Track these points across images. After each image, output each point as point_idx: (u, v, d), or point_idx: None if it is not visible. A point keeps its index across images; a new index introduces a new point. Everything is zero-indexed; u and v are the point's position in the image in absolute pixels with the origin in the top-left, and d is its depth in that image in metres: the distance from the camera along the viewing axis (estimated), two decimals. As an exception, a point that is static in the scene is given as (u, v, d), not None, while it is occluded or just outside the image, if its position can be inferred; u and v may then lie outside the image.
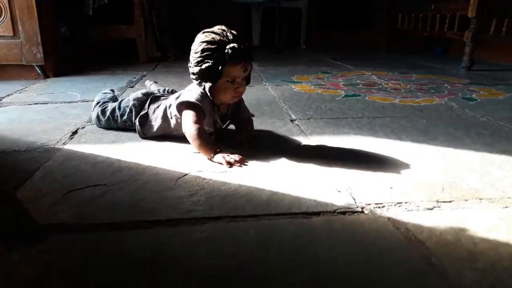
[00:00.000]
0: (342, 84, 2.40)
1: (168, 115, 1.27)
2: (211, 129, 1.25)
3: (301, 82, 2.43)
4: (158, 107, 1.31)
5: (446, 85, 2.41)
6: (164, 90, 1.48)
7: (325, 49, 4.33)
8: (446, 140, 1.37)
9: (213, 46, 1.12)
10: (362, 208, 0.89)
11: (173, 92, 1.46)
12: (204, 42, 1.13)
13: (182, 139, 1.24)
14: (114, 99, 1.52)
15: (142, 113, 1.31)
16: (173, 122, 1.26)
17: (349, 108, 1.82)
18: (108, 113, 1.39)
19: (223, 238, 0.77)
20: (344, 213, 0.87)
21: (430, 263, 0.71)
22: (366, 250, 0.74)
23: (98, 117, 1.41)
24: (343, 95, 2.09)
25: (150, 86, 1.80)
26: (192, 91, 1.21)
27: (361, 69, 2.94)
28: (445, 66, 3.20)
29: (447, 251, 0.74)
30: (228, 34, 1.13)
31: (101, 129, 1.42)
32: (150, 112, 1.32)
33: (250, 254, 0.72)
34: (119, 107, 1.37)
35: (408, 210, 0.88)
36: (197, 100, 1.18)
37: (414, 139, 1.38)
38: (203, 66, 1.14)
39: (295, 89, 2.21)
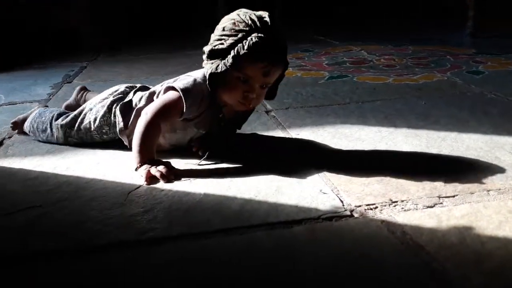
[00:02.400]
0: (326, 64, 2.43)
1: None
2: (202, 131, 1.21)
3: (277, 64, 2.45)
4: (143, 95, 1.25)
5: (448, 57, 2.47)
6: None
7: (305, 21, 4.36)
8: (448, 124, 1.41)
9: (237, 28, 1.06)
10: (351, 211, 0.92)
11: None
12: (231, 19, 1.08)
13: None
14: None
15: (126, 100, 1.26)
16: None
17: (334, 92, 1.85)
18: (79, 120, 1.29)
19: (186, 261, 0.78)
20: (330, 218, 0.89)
21: (431, 270, 0.73)
22: (356, 262, 0.76)
23: (65, 133, 1.31)
24: (327, 77, 2.12)
25: (83, 95, 1.59)
26: (188, 78, 1.16)
27: (349, 44, 2.98)
28: (447, 34, 3.27)
29: (450, 255, 0.76)
30: (267, 20, 1.07)
31: (33, 139, 1.40)
32: (135, 98, 1.25)
33: (220, 276, 0.73)
34: (90, 108, 1.30)
35: (404, 210, 0.91)
36: (185, 88, 1.12)
37: (411, 124, 1.41)
38: (216, 47, 1.08)
39: (270, 73, 2.22)
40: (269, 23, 1.07)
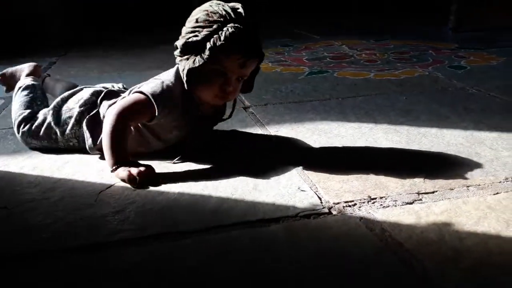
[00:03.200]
0: (306, 59, 2.45)
1: None
2: (178, 132, 1.19)
3: (255, 59, 2.46)
4: (114, 103, 1.21)
5: (430, 51, 2.52)
6: (112, 87, 1.36)
7: (287, 15, 4.39)
8: (429, 120, 1.44)
9: (211, 19, 1.06)
10: (330, 208, 0.93)
11: (125, 88, 1.36)
12: (204, 10, 1.08)
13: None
14: (42, 99, 1.39)
15: (92, 113, 1.22)
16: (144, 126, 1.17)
17: (314, 88, 1.86)
18: (42, 131, 1.25)
19: (160, 262, 0.78)
20: (308, 216, 0.91)
21: (409, 267, 0.75)
22: (335, 260, 0.77)
23: (25, 138, 1.28)
24: (307, 73, 2.14)
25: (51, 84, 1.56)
26: (155, 81, 1.14)
27: (329, 38, 3.00)
28: (429, 29, 3.32)
29: (429, 252, 0.78)
30: (241, 11, 1.07)
31: (-2, 136, 1.38)
32: (103, 110, 1.21)
33: (196, 277, 0.74)
34: (57, 120, 1.25)
35: (383, 207, 0.93)
36: (153, 92, 1.10)
37: (392, 120, 1.44)
38: (189, 39, 1.07)
39: (248, 69, 2.23)
40: (243, 14, 1.07)
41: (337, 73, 2.10)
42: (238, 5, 1.09)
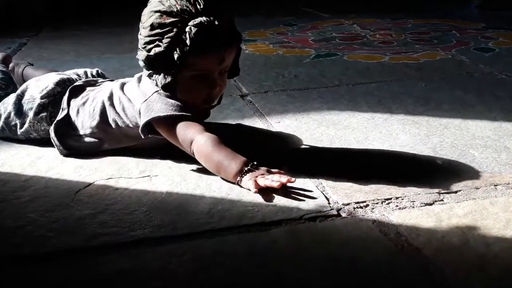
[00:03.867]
0: (312, 40, 2.44)
1: (120, 121, 1.16)
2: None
3: (255, 41, 2.46)
4: (84, 103, 1.21)
5: (454, 32, 2.51)
6: (85, 73, 1.38)
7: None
8: (452, 109, 1.44)
9: (168, 21, 1.03)
10: (339, 210, 0.93)
11: (101, 75, 1.39)
12: (156, 12, 1.05)
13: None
14: (7, 82, 1.39)
15: (60, 116, 1.22)
16: (130, 132, 1.16)
17: (321, 73, 1.86)
18: (1, 121, 1.26)
19: (145, 270, 0.78)
20: (314, 219, 0.91)
21: (428, 275, 0.75)
22: (344, 268, 0.77)
23: None
24: (313, 56, 2.13)
25: (22, 70, 1.60)
26: (152, 99, 1.10)
27: (340, 16, 3.00)
28: (452, 6, 3.32)
29: (450, 258, 0.79)
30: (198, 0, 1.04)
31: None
32: (73, 113, 1.22)
33: (184, 288, 0.74)
34: (18, 110, 1.25)
35: (399, 208, 0.93)
36: (172, 108, 1.08)
37: (409, 110, 1.44)
38: (152, 52, 1.06)
39: (247, 51, 2.23)
40: (201, 0, 1.04)
41: (347, 56, 2.09)
42: None
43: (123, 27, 2.86)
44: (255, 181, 0.99)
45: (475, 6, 3.14)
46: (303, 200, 0.97)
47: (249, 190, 0.99)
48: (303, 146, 1.24)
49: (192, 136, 1.06)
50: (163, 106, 1.08)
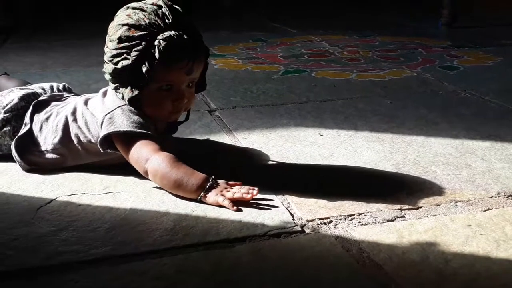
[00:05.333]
0: (281, 56, 2.47)
1: (82, 136, 1.16)
2: None
3: (224, 56, 2.47)
4: (47, 118, 1.21)
5: (420, 49, 2.57)
6: (51, 88, 1.36)
7: (261, 4, 4.42)
8: (416, 126, 1.47)
9: (136, 34, 1.05)
10: (303, 226, 0.95)
11: (67, 90, 1.37)
12: (124, 25, 1.06)
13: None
14: None
15: (22, 131, 1.21)
16: (92, 148, 1.15)
17: (289, 89, 1.89)
18: None
19: None
20: (278, 235, 0.92)
21: (389, 293, 0.77)
22: (304, 285, 0.79)
23: None
24: (281, 72, 2.16)
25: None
26: (114, 114, 1.10)
27: (308, 33, 3.04)
28: (421, 23, 3.39)
29: (411, 275, 0.81)
30: (165, 13, 1.06)
31: None
32: (36, 128, 1.21)
33: (146, 306, 0.75)
34: None
35: (362, 225, 0.95)
36: (133, 124, 1.08)
37: (374, 127, 1.47)
38: (119, 65, 1.07)
39: (215, 66, 2.25)
40: (169, 14, 1.07)
41: (315, 73, 2.13)
42: (159, 2, 1.08)
43: (89, 39, 2.85)
44: (222, 193, 1.02)
45: (442, 24, 3.21)
46: (268, 214, 0.98)
47: (220, 205, 1.01)
48: (269, 162, 1.25)
49: (147, 155, 1.06)
50: (125, 122, 1.09)
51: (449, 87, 1.90)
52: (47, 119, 1.21)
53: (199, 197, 1.03)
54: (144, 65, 1.05)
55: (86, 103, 1.19)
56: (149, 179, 1.08)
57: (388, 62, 2.31)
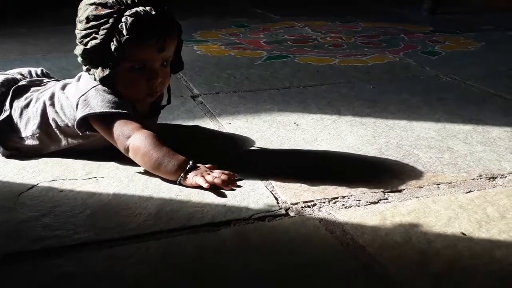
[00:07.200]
0: (264, 42, 2.47)
1: (59, 120, 1.14)
2: None
3: (207, 41, 2.46)
4: (27, 104, 1.19)
5: (402, 35, 2.59)
6: (29, 73, 1.34)
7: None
8: (398, 111, 1.48)
9: (103, 12, 1.04)
10: (287, 209, 0.95)
11: (46, 75, 1.36)
12: (91, 4, 1.06)
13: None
14: None
15: (1, 117, 1.19)
16: (70, 131, 1.14)
17: (272, 75, 1.89)
18: None
19: (91, 274, 0.78)
20: (262, 218, 0.92)
21: (372, 274, 0.78)
22: (290, 267, 0.79)
23: None
24: (265, 57, 2.16)
25: None
26: (89, 95, 1.09)
27: (291, 19, 3.04)
28: (404, 9, 3.41)
29: (394, 256, 0.81)
30: None
31: None
32: (15, 114, 1.19)
33: (131, 290, 0.74)
34: None
35: (346, 207, 0.96)
36: (108, 104, 1.07)
37: (357, 111, 1.48)
38: (88, 45, 1.06)
39: (198, 52, 2.24)
40: None
41: (298, 59, 2.13)
42: None
43: (71, 24, 2.81)
44: (203, 176, 1.01)
45: (424, 10, 3.23)
46: (253, 198, 0.98)
47: (198, 186, 1.01)
48: (253, 147, 1.25)
49: (129, 132, 1.05)
50: (100, 103, 1.08)
51: (431, 72, 1.92)
52: (27, 105, 1.19)
53: (178, 179, 1.03)
54: (112, 43, 1.04)
55: (63, 88, 1.18)
56: (131, 162, 1.08)
57: (370, 48, 2.32)
